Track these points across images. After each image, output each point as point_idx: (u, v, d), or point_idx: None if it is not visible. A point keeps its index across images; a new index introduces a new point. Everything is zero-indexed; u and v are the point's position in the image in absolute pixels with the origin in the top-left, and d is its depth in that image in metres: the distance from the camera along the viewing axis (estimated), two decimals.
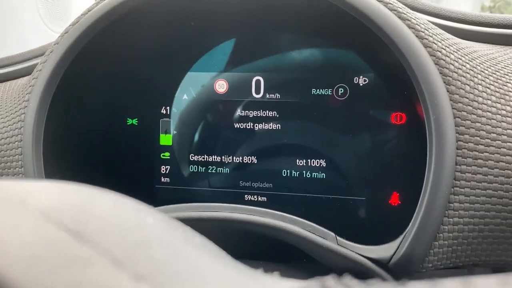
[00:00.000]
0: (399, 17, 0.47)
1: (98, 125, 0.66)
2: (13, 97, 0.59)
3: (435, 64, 0.46)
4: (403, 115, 0.59)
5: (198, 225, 0.53)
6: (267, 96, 0.63)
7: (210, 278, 0.17)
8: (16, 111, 0.56)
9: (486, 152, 0.46)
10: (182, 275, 0.16)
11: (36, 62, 0.56)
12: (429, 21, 0.52)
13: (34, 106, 0.52)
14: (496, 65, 0.52)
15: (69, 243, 0.15)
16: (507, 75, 0.51)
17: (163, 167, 0.68)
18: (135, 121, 0.69)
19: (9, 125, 0.56)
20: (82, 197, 0.19)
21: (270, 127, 0.64)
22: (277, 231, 0.51)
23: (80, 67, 0.55)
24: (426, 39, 0.46)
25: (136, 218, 0.19)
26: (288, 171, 0.64)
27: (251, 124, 0.64)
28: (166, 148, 0.68)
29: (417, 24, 0.47)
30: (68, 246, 0.15)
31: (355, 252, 0.49)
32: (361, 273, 0.49)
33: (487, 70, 0.50)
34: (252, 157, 0.65)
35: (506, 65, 0.53)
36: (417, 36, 0.46)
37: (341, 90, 0.61)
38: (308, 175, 0.63)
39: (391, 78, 0.59)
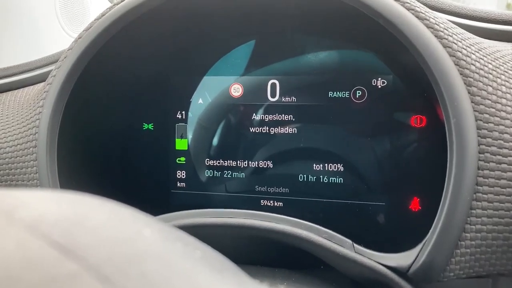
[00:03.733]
0: (417, 17, 0.45)
1: (113, 130, 0.66)
2: (29, 103, 0.59)
3: (456, 64, 0.44)
4: (423, 117, 0.57)
5: (213, 231, 0.53)
6: (283, 99, 0.62)
7: None
8: (31, 117, 0.56)
9: (511, 156, 0.44)
10: None
11: (53, 68, 0.56)
12: (449, 20, 0.51)
13: (48, 112, 0.52)
14: None
15: (53, 259, 0.14)
16: None
17: (178, 172, 0.68)
18: (150, 126, 0.68)
19: (24, 131, 0.56)
20: (76, 208, 0.19)
21: (286, 131, 0.62)
22: (292, 238, 0.49)
23: (94, 72, 0.55)
24: (445, 38, 0.45)
25: (132, 231, 0.18)
26: (305, 175, 0.62)
27: (267, 128, 0.63)
28: (181, 152, 0.68)
29: (436, 23, 0.45)
30: (52, 262, 0.14)
31: (373, 260, 0.47)
32: (379, 281, 0.48)
33: (511, 70, 0.48)
34: (268, 161, 0.64)
35: None
36: (436, 36, 0.45)
37: (359, 93, 0.59)
38: (326, 179, 0.62)
39: (410, 80, 0.57)
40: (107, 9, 0.53)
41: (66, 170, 0.55)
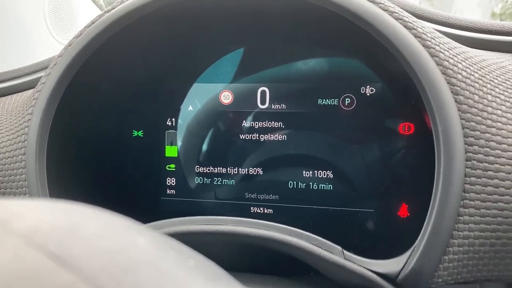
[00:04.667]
0: (405, 26, 0.46)
1: (103, 137, 0.65)
2: (18, 110, 0.59)
3: (443, 73, 0.45)
4: (411, 125, 0.58)
5: (203, 238, 0.53)
6: (273, 106, 0.63)
7: None
8: (20, 124, 0.56)
9: (497, 163, 0.45)
10: None
11: (42, 74, 0.55)
12: (436, 29, 0.51)
13: (38, 119, 0.52)
14: (506, 74, 0.51)
15: (50, 270, 0.15)
16: None
17: (168, 179, 0.68)
18: (140, 133, 0.68)
19: (13, 138, 0.56)
20: (71, 218, 0.19)
21: (276, 138, 0.63)
22: (282, 245, 0.50)
23: (84, 79, 0.55)
24: (433, 48, 0.45)
25: (126, 240, 0.18)
26: (295, 182, 0.63)
27: (257, 135, 0.63)
28: (171, 159, 0.68)
29: (423, 33, 0.46)
30: (49, 273, 0.14)
31: (362, 267, 0.48)
32: None
33: (497, 79, 0.49)
34: (258, 168, 0.64)
35: None
36: (423, 45, 0.45)
37: (347, 100, 0.60)
38: (315, 186, 0.62)
39: (398, 88, 0.58)
40: (97, 16, 0.53)
41: (56, 178, 0.55)
